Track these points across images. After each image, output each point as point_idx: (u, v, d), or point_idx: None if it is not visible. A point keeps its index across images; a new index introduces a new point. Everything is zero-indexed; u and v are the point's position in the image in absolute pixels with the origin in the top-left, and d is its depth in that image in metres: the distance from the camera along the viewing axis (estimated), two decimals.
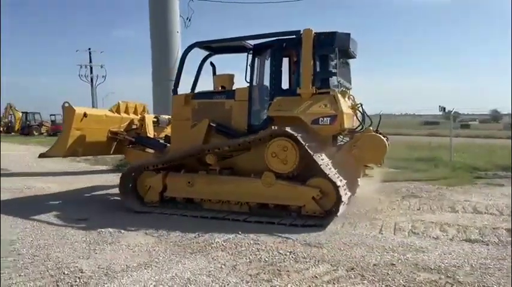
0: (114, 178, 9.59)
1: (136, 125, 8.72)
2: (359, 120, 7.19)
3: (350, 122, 6.96)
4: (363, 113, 7.20)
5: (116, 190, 7.88)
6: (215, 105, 7.36)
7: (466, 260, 4.48)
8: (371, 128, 6.90)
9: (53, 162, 12.48)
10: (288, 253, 4.71)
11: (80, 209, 6.97)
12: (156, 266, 4.37)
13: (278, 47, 6.96)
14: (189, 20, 13.87)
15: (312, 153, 6.02)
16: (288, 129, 6.18)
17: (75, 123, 7.56)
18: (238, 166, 6.93)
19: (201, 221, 6.20)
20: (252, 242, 5.13)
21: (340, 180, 6.07)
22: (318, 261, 4.48)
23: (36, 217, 6.45)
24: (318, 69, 6.69)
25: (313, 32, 6.60)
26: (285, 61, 7.20)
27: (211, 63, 8.26)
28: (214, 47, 8.09)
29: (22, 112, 40.21)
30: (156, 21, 12.97)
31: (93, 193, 8.89)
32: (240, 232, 5.52)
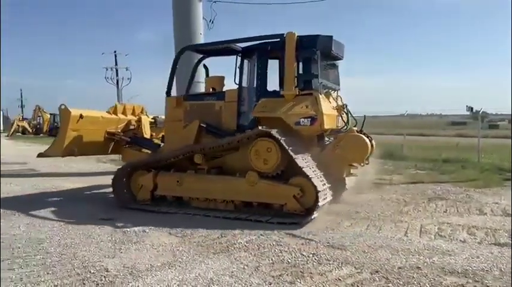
0: None
1: (134, 125, 8.99)
2: (344, 121, 7.33)
3: (333, 122, 7.13)
4: (347, 114, 7.35)
5: None
6: (206, 106, 7.61)
7: (495, 264, 4.35)
8: (354, 128, 7.09)
9: (81, 163, 12.79)
10: (311, 255, 4.68)
11: (106, 209, 7.11)
12: (179, 266, 4.41)
13: (263, 50, 7.15)
14: (212, 22, 13.92)
15: (294, 156, 6.21)
16: (273, 131, 6.41)
17: (72, 125, 7.85)
18: (227, 166, 7.14)
19: (224, 222, 6.24)
20: (274, 243, 5.12)
21: (321, 180, 6.26)
22: (342, 263, 4.44)
23: (63, 217, 6.62)
24: (300, 72, 6.89)
25: (296, 36, 6.79)
26: (276, 63, 7.36)
27: (204, 66, 8.63)
28: (206, 50, 8.41)
29: (50, 114, 41.21)
30: (179, 24, 13.06)
31: None
32: (261, 234, 5.52)
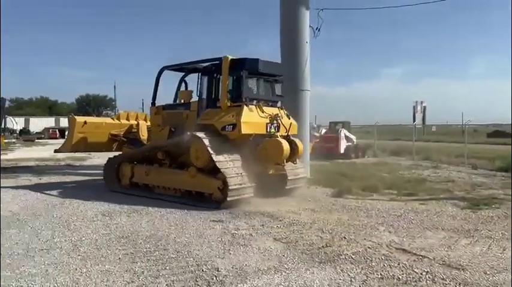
0: None
1: (135, 129, 11.22)
2: (274, 128, 8.59)
3: (258, 129, 8.40)
4: (278, 123, 8.60)
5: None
6: (177, 114, 9.67)
7: None
8: (278, 134, 8.41)
9: None
10: (425, 273, 4.39)
11: (215, 212, 7.46)
12: (285, 272, 4.45)
13: (210, 70, 9.09)
14: (319, 30, 13.89)
15: (212, 153, 7.80)
16: (200, 135, 8.07)
17: (77, 129, 10.64)
18: (183, 161, 8.72)
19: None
20: (383, 257, 4.91)
21: (237, 174, 7.77)
22: (459, 284, 4.10)
23: (178, 216, 7.12)
24: (230, 88, 8.57)
25: (229, 59, 8.54)
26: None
27: (185, 81, 10.48)
28: (183, 69, 10.18)
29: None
30: (286, 32, 13.26)
31: None
32: (369, 246, 5.34)
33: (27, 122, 58.91)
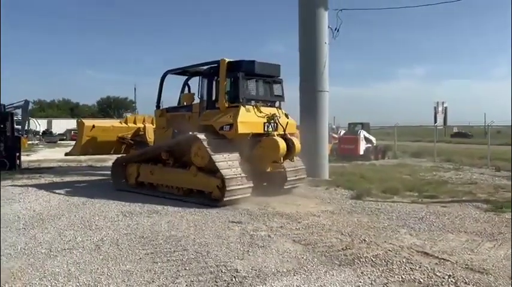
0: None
1: (142, 132, 11.63)
2: (272, 127, 8.82)
3: (255, 128, 8.67)
4: (276, 122, 8.82)
5: (267, 198, 8.62)
6: (180, 116, 10.02)
7: None
8: (275, 133, 8.66)
9: None
10: (447, 277, 4.32)
11: (234, 214, 7.48)
12: (304, 274, 4.43)
13: (208, 72, 9.43)
14: (338, 30, 13.81)
15: (211, 153, 8.10)
16: (199, 135, 8.37)
17: (86, 132, 11.08)
18: (186, 161, 8.94)
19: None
20: (404, 260, 4.85)
21: (235, 174, 7.98)
22: None
23: (197, 217, 7.15)
24: (228, 89, 8.87)
25: (226, 61, 8.88)
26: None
27: (188, 85, 10.72)
28: (186, 72, 10.53)
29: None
30: (305, 33, 13.24)
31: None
32: (389, 249, 5.28)
33: (49, 123, 60.10)
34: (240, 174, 8.10)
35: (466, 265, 4.69)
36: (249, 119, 8.62)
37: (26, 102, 28.18)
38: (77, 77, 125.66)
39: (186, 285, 4.14)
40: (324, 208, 8.03)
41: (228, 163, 8.13)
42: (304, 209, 7.91)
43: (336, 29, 13.63)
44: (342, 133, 21.40)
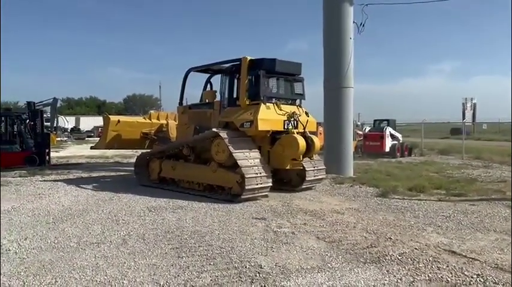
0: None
1: (165, 128, 11.75)
2: (292, 125, 8.92)
3: (276, 126, 8.81)
4: (296, 120, 8.94)
5: (290, 195, 8.60)
6: (202, 113, 10.23)
7: None
8: (294, 130, 8.73)
9: None
10: (475, 276, 4.22)
11: (257, 210, 7.50)
12: (329, 271, 4.41)
13: (230, 70, 9.58)
14: (363, 25, 13.60)
15: (233, 151, 8.16)
16: (221, 132, 8.52)
17: (111, 127, 11.33)
18: (207, 157, 9.07)
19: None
20: (431, 259, 4.76)
21: (256, 173, 8.06)
22: None
23: (221, 213, 7.21)
24: (249, 87, 8.93)
25: (247, 59, 8.99)
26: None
27: (210, 82, 10.83)
28: (208, 70, 10.62)
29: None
30: (329, 29, 13.09)
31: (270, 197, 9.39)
32: (416, 248, 5.19)
33: (77, 121, 61.48)
34: (260, 173, 8.17)
35: (496, 264, 4.57)
36: (269, 117, 8.72)
37: (55, 99, 28.96)
38: (105, 75, 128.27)
39: (211, 280, 4.17)
40: (348, 205, 7.96)
41: (249, 161, 8.21)
42: (328, 206, 7.86)
43: (361, 24, 13.44)
44: (367, 130, 21.12)
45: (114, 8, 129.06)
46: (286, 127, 8.93)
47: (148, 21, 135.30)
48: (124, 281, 4.14)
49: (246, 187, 7.92)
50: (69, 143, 35.15)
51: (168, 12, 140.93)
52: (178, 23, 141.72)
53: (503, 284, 4.01)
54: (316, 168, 9.51)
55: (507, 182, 10.85)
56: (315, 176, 9.51)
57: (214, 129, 8.74)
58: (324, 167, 9.90)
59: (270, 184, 8.35)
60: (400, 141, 20.01)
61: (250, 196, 8.11)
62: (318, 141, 8.88)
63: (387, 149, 19.08)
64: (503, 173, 13.01)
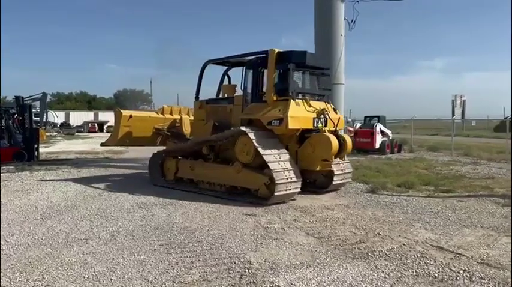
0: None
1: (178, 123, 11.05)
2: (321, 122, 8.31)
3: (305, 124, 8.14)
4: (326, 117, 8.30)
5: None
6: (221, 108, 9.48)
7: None
8: (325, 129, 8.14)
9: None
10: (462, 271, 4.27)
11: (248, 206, 7.49)
12: (318, 267, 4.43)
13: (255, 63, 8.70)
14: (354, 22, 13.68)
15: (262, 151, 7.54)
16: (248, 130, 7.85)
17: (123, 122, 10.47)
18: (228, 156, 8.64)
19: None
20: (419, 255, 4.80)
21: (284, 169, 7.49)
22: (499, 284, 3.96)
23: (211, 210, 7.20)
24: (276, 81, 8.18)
25: (275, 52, 8.20)
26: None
27: (228, 75, 10.18)
28: (227, 63, 9.94)
29: None
30: (320, 25, 13.15)
31: None
32: (404, 243, 5.24)
33: (67, 116, 61.03)
34: (291, 177, 7.58)
35: (482, 259, 4.63)
36: (299, 114, 8.04)
37: (44, 94, 28.62)
38: (96, 70, 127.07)
39: (200, 276, 4.17)
40: (338, 202, 8.00)
41: (280, 164, 7.60)
42: (319, 202, 7.89)
43: (352, 21, 13.52)
44: (357, 126, 21.21)
45: (108, 2, 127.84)
46: (315, 125, 8.31)
47: (139, 15, 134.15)
48: (112, 278, 4.12)
49: (276, 193, 7.38)
50: (58, 138, 34.86)
51: (159, 7, 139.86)
52: (169, 17, 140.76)
53: (489, 279, 4.06)
54: (344, 171, 8.98)
55: (495, 179, 10.98)
56: (341, 180, 8.97)
57: (240, 127, 8.11)
58: (351, 169, 9.41)
59: (299, 189, 7.83)
60: (390, 138, 20.13)
61: (282, 193, 7.52)
62: (349, 141, 8.40)
63: (377, 145, 19.17)
64: (491, 169, 13.16)
